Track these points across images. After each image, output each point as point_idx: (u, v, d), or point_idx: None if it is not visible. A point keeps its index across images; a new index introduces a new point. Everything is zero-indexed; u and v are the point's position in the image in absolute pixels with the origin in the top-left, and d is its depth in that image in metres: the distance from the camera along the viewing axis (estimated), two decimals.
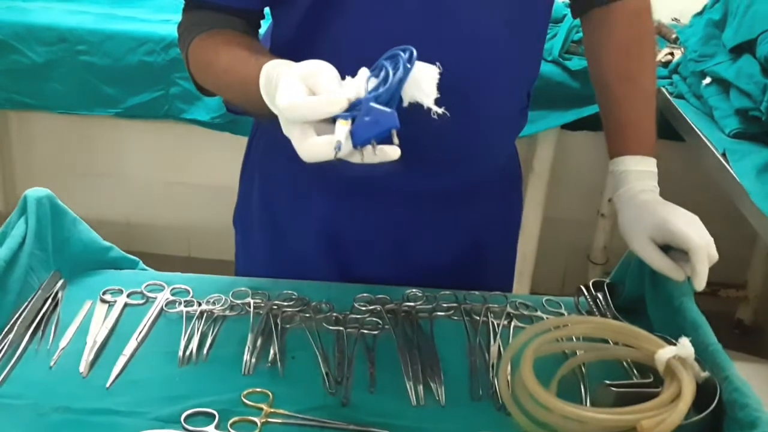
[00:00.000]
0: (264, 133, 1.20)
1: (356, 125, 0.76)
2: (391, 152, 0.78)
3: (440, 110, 0.79)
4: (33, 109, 2.31)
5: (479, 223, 1.20)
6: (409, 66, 0.78)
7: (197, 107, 2.20)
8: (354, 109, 0.78)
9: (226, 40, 1.01)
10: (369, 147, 0.77)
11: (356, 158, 0.78)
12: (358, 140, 0.76)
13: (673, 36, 2.22)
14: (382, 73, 0.79)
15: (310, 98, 0.79)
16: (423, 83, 0.79)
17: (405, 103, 0.79)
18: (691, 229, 0.99)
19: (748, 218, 1.51)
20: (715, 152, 1.68)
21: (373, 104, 0.77)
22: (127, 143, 2.65)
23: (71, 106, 2.26)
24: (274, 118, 0.85)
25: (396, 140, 0.77)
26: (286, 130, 0.81)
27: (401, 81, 0.78)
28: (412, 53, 0.79)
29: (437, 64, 0.79)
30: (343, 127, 0.77)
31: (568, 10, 2.14)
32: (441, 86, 1.02)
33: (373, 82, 0.80)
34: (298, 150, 0.79)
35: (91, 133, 2.63)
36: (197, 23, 1.04)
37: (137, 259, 1.19)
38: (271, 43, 1.10)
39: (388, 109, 0.77)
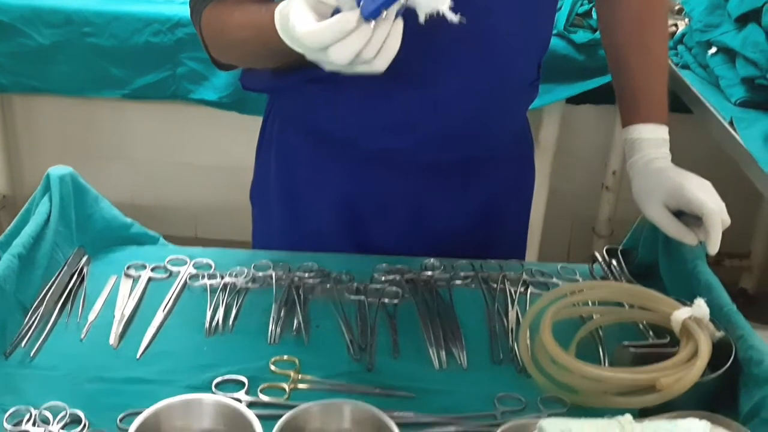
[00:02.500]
0: (280, 109, 1.21)
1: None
2: (398, 26, 0.77)
3: (456, 17, 0.77)
4: (40, 92, 2.31)
5: (493, 192, 1.22)
6: None
7: (204, 87, 2.21)
8: None
9: (238, 1, 1.01)
10: (381, 20, 0.75)
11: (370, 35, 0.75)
12: (367, 12, 0.75)
13: (676, 7, 2.22)
14: None
15: (321, 24, 0.76)
16: None
17: (421, 18, 0.78)
18: (705, 194, 1.01)
19: (756, 184, 1.53)
20: (722, 121, 1.69)
21: None
22: (132, 124, 2.66)
23: (78, 88, 2.27)
24: (298, 58, 0.83)
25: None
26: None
27: None
28: None
29: None
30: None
31: None
32: (455, 58, 1.03)
33: None
34: (327, 57, 0.77)
35: (96, 115, 2.63)
36: None
37: (158, 234, 1.21)
38: None
39: None
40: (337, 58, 0.76)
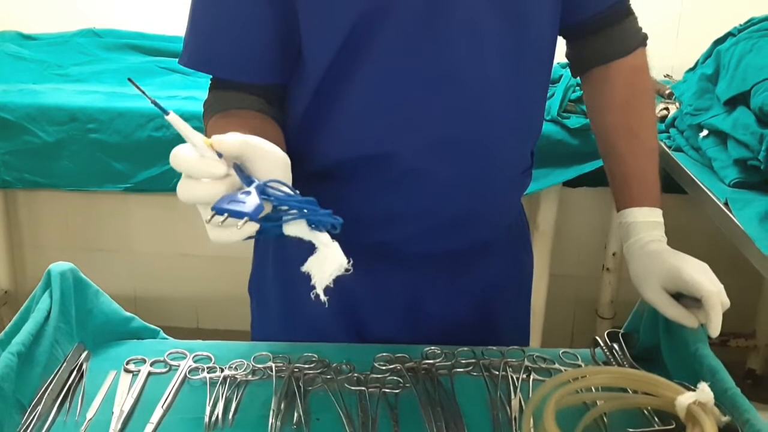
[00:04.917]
0: None
1: (227, 195, 0.79)
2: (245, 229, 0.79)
3: (324, 298, 0.82)
4: (43, 187, 2.34)
5: (490, 279, 1.22)
6: (311, 213, 0.81)
7: None
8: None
9: (237, 122, 1.02)
10: (219, 218, 0.78)
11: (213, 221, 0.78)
12: (215, 206, 0.78)
13: (667, 92, 2.27)
14: (298, 205, 0.81)
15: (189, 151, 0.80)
16: (327, 264, 0.82)
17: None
18: (703, 276, 1.01)
19: (754, 264, 1.53)
20: (717, 202, 1.70)
21: (252, 188, 0.79)
22: (134, 217, 2.69)
23: (81, 183, 2.30)
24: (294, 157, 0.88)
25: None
26: None
27: (296, 204, 0.81)
28: (333, 224, 0.82)
29: (351, 262, 0.82)
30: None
31: (564, 71, 2.23)
32: (449, 152, 1.06)
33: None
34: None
35: (98, 209, 2.66)
36: (216, 102, 1.07)
37: (158, 328, 1.21)
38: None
39: (258, 201, 0.78)
40: (179, 191, 0.80)
